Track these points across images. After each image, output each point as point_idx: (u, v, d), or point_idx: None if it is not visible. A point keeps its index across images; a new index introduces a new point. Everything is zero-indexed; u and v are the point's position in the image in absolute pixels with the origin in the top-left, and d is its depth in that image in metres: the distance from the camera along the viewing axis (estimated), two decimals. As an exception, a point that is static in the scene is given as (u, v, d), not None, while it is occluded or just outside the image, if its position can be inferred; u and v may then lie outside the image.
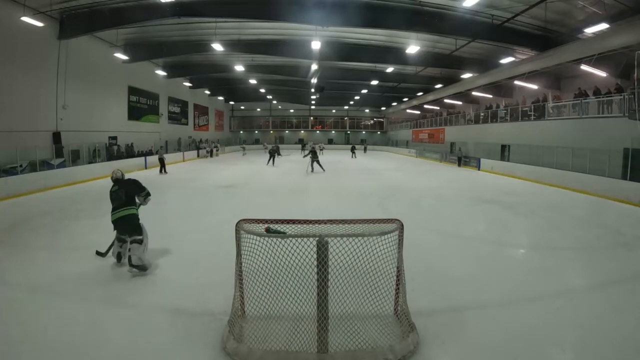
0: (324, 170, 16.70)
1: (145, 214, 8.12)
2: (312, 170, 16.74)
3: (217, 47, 14.96)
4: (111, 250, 4.75)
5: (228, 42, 16.64)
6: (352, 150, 30.05)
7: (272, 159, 20.79)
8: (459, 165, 21.63)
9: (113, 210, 4.56)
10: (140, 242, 4.44)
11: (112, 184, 4.69)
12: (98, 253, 4.88)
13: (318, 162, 17.19)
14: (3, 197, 9.60)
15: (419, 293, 3.74)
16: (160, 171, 16.40)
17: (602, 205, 9.70)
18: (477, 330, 3.20)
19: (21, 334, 3.10)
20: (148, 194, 4.87)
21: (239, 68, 20.03)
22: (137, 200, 4.77)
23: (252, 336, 2.97)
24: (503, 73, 17.34)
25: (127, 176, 5.02)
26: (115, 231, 4.63)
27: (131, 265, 4.34)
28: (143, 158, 18.88)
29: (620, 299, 3.90)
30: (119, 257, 4.63)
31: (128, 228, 4.50)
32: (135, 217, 4.59)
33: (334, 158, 27.05)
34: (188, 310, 3.51)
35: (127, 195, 4.59)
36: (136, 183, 4.80)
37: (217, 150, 30.40)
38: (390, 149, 39.35)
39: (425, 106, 31.56)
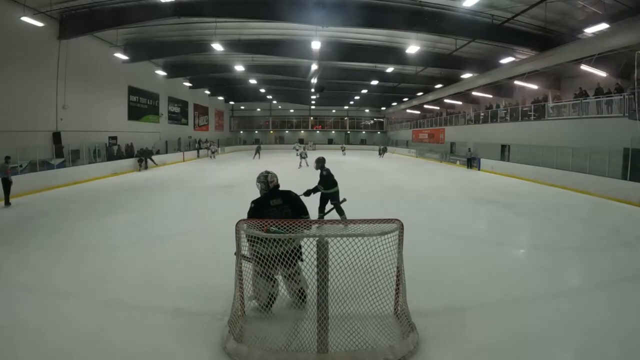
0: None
1: (145, 214, 8.23)
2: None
3: (217, 47, 14.95)
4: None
5: (228, 42, 16.64)
6: (380, 151, 32.20)
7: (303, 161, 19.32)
8: (469, 167, 20.02)
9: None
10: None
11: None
12: None
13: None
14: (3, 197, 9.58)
15: (419, 293, 3.73)
16: (6, 202, 8.90)
17: (602, 205, 9.69)
18: (477, 330, 3.20)
19: (21, 333, 3.10)
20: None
21: (239, 68, 20.03)
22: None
23: (252, 336, 2.97)
24: (503, 73, 17.35)
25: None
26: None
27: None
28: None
29: (621, 299, 3.89)
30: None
31: None
32: None
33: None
34: (188, 310, 3.51)
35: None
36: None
37: (214, 152, 28.35)
38: (390, 149, 39.29)
39: (425, 106, 31.55)
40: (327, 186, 6.51)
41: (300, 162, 19.37)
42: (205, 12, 12.83)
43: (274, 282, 3.24)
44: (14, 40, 12.02)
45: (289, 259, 2.94)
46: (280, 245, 2.94)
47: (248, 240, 3.06)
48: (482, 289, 4.08)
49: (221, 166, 21.05)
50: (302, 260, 3.14)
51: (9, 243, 5.72)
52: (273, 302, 3.27)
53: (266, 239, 2.85)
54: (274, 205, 3.41)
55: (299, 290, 3.36)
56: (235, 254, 3.09)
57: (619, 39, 10.80)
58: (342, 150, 34.08)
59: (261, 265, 2.97)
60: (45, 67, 13.75)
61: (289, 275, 3.28)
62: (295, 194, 3.59)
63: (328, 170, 6.57)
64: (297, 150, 21.95)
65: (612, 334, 3.15)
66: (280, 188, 3.61)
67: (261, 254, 2.93)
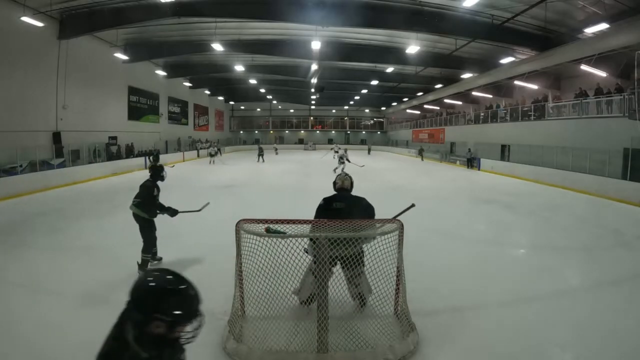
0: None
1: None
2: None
3: (217, 47, 14.96)
4: None
5: (228, 42, 16.64)
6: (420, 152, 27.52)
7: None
8: (469, 167, 20.03)
9: None
10: None
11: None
12: None
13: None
14: (3, 197, 9.59)
15: (419, 293, 3.73)
16: None
17: (602, 205, 9.69)
18: (477, 330, 3.20)
19: (20, 334, 3.10)
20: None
21: (239, 68, 20.04)
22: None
23: (252, 336, 2.97)
24: (503, 73, 17.35)
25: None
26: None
27: None
28: (142, 158, 18.82)
29: (620, 299, 3.89)
30: None
31: None
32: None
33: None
34: (188, 310, 3.50)
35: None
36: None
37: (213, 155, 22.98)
38: (390, 149, 39.30)
39: (425, 106, 31.55)
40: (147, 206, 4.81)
41: (337, 168, 15.68)
42: (205, 12, 12.83)
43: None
44: (14, 40, 12.02)
45: (349, 261, 2.87)
46: (343, 249, 2.78)
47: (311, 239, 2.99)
48: (482, 289, 4.08)
49: (221, 166, 21.02)
50: (363, 264, 3.07)
51: (8, 243, 5.72)
52: (313, 302, 3.23)
53: (328, 239, 2.71)
54: (335, 208, 3.33)
55: (359, 294, 3.23)
56: (305, 250, 2.99)
57: (619, 39, 10.81)
58: (275, 151, 31.23)
59: (318, 264, 2.79)
60: (45, 67, 13.75)
61: (350, 278, 3.16)
62: (367, 203, 3.37)
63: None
64: (337, 152, 18.31)
65: (612, 334, 3.15)
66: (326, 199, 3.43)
67: (323, 254, 2.78)
